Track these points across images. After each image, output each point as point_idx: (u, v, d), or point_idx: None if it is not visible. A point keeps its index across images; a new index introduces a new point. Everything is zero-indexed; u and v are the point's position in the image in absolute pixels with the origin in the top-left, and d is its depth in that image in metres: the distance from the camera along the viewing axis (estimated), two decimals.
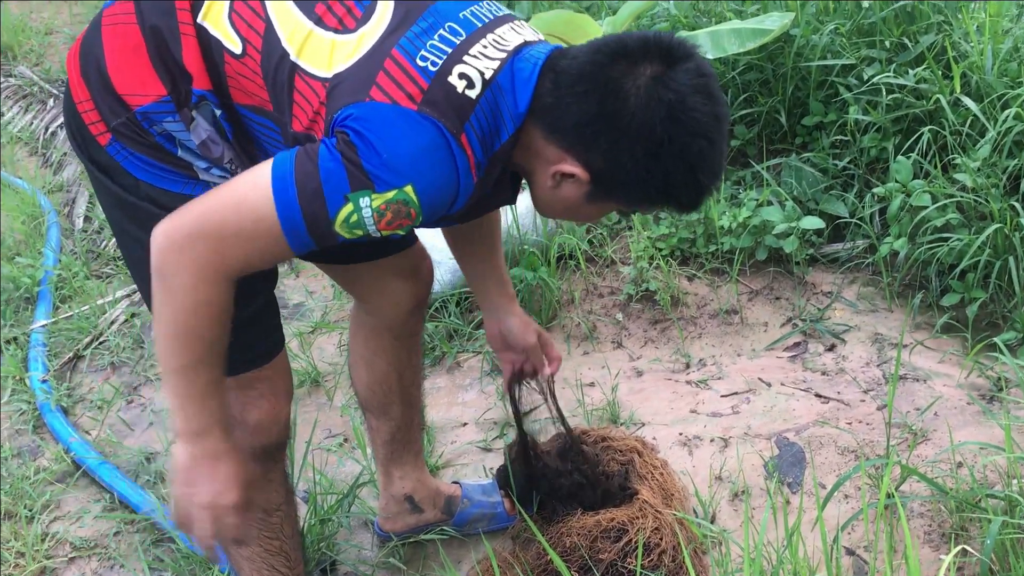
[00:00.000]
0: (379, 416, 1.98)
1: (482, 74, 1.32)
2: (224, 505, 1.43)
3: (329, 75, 1.31)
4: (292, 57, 1.34)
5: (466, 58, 1.32)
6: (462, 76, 1.30)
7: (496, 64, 1.33)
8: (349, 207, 1.26)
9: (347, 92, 1.29)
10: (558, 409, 2.03)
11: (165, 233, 1.30)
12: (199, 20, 1.40)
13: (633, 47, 1.31)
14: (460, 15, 1.36)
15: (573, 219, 1.63)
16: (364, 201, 1.26)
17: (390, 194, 1.25)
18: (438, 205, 1.32)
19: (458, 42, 1.33)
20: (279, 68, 1.35)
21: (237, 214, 1.28)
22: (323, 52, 1.33)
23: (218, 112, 1.42)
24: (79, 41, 1.48)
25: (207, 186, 1.47)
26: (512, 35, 1.39)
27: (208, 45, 1.40)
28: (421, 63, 1.29)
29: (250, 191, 1.28)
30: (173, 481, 1.45)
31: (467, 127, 1.29)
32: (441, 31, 1.33)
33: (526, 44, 1.39)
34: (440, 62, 1.30)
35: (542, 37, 1.46)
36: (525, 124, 1.36)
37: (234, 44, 1.38)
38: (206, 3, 1.41)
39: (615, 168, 1.33)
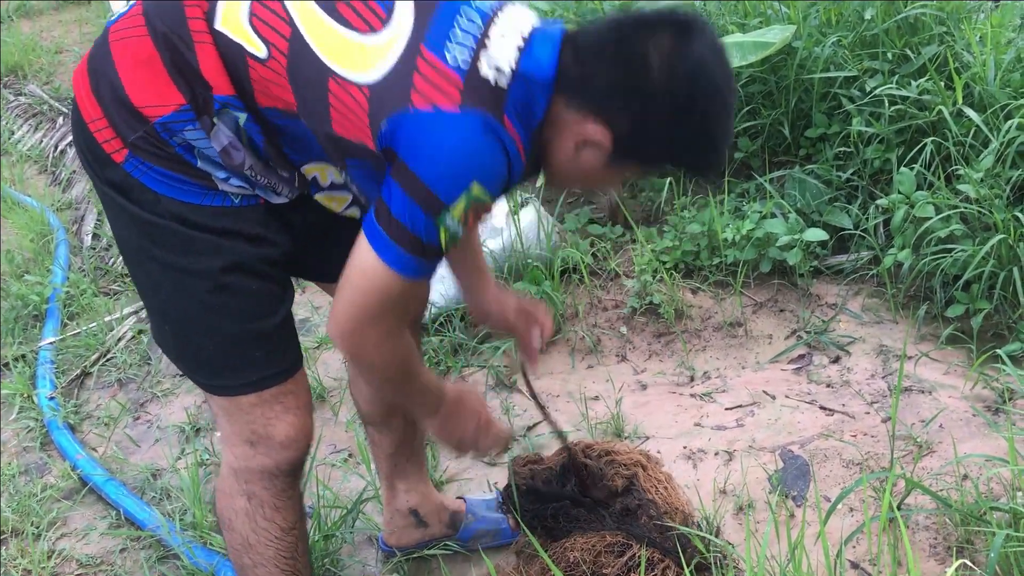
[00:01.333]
0: (381, 429, 1.98)
1: (508, 62, 1.37)
2: (483, 424, 1.72)
3: (366, 80, 1.35)
4: (324, 61, 1.37)
5: (490, 47, 1.37)
6: (491, 66, 1.36)
7: (516, 52, 1.38)
8: (443, 231, 1.36)
9: (389, 101, 1.34)
10: (544, 412, 2.02)
11: (340, 337, 1.45)
12: (216, 26, 1.40)
13: (652, 19, 1.39)
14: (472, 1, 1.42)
15: (588, 186, 1.70)
16: (449, 219, 1.35)
17: (463, 201, 1.34)
18: (501, 186, 1.40)
19: (478, 33, 1.38)
20: (309, 71, 1.38)
21: (378, 296, 1.41)
22: (355, 55, 1.37)
23: (243, 116, 1.42)
24: (85, 60, 1.48)
25: (225, 197, 1.48)
26: (520, 17, 1.44)
27: (228, 51, 1.40)
28: (451, 60, 1.34)
29: (372, 277, 1.39)
30: (441, 441, 1.75)
31: (507, 110, 1.36)
32: (460, 20, 1.38)
33: (535, 27, 1.44)
34: (469, 57, 1.35)
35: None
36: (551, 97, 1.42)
37: (258, 49, 1.39)
38: (221, 9, 1.40)
39: (640, 130, 1.39)
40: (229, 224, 1.49)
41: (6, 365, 3.05)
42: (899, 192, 2.69)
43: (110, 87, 1.43)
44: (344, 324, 1.43)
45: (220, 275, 1.49)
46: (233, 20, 1.40)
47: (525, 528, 1.98)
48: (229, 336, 1.54)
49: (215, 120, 1.41)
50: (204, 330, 1.54)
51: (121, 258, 1.79)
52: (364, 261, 1.39)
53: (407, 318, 1.48)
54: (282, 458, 1.62)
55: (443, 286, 2.83)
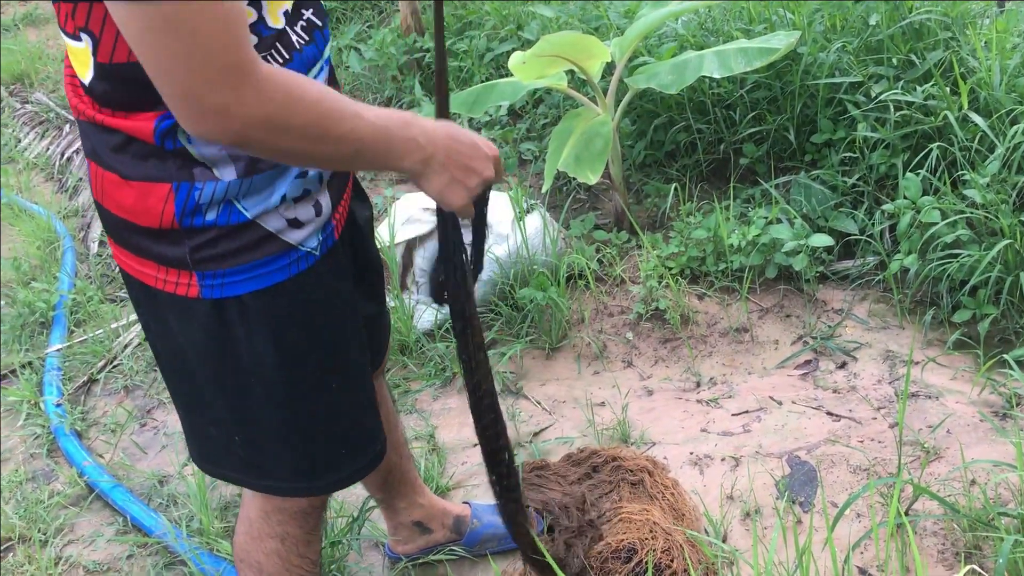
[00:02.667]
0: None
1: None
2: (485, 154, 1.36)
3: None
4: None
5: None
6: None
7: None
8: None
9: None
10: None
11: (202, 120, 1.09)
12: (85, 80, 1.21)
13: None
14: None
15: None
16: None
17: None
18: None
19: None
20: None
21: (183, 37, 1.03)
22: None
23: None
24: (112, 243, 1.36)
25: (309, 257, 1.34)
26: None
27: (108, 80, 1.19)
28: None
29: (154, 25, 1.03)
30: (440, 195, 1.34)
31: None
32: None
33: None
34: None
35: None
36: None
37: (87, 64, 1.19)
38: (76, 66, 1.22)
39: None
40: (324, 281, 1.38)
41: (13, 372, 3.06)
42: (905, 197, 2.68)
43: (132, 233, 1.29)
44: (190, 104, 1.07)
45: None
46: (80, 61, 1.20)
47: (534, 536, 1.98)
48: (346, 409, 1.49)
49: (192, 151, 1.22)
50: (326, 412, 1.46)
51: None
52: (129, 24, 1.04)
53: (250, 54, 1.08)
54: (319, 496, 1.58)
55: None
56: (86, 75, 1.20)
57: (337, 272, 1.42)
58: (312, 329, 1.38)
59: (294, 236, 1.32)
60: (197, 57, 1.03)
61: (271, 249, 1.30)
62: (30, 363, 3.08)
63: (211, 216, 1.25)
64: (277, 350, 1.35)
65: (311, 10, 1.31)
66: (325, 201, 1.36)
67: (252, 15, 1.19)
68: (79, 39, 1.17)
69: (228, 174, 1.24)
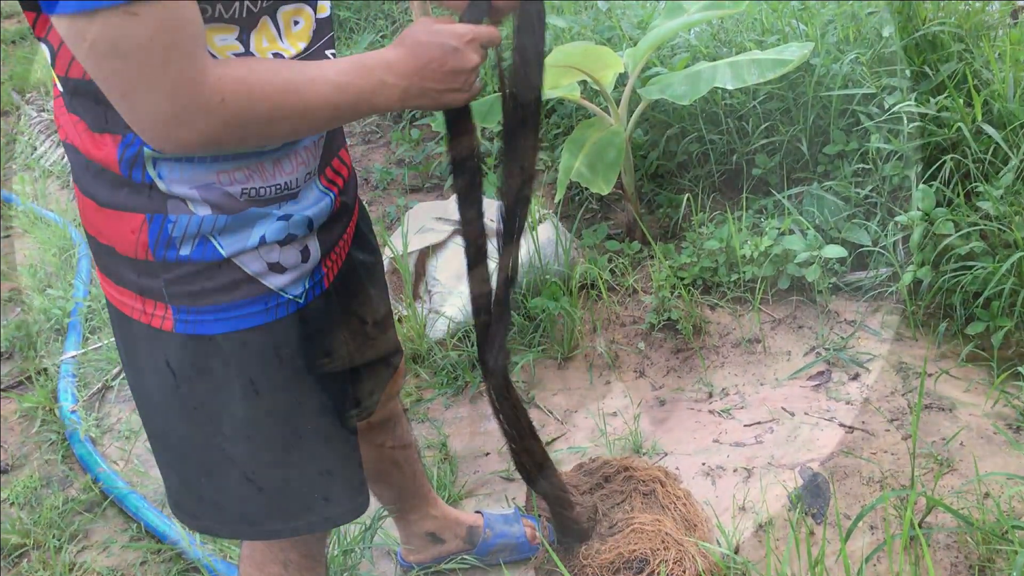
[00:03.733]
0: (378, 483, 1.95)
1: None
2: (457, 47, 1.25)
3: None
4: None
5: None
6: None
7: None
8: None
9: None
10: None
11: (166, 137, 1.09)
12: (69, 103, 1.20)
13: None
14: None
15: None
16: None
17: None
18: None
19: None
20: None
21: (138, 53, 1.02)
22: None
23: (147, 151, 1.18)
24: (97, 270, 1.35)
25: (291, 304, 1.32)
26: None
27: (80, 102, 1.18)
28: None
29: (109, 40, 1.01)
30: (439, 108, 1.30)
31: None
32: None
33: None
34: None
35: None
36: None
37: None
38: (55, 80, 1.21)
39: None
40: (306, 330, 1.35)
41: (29, 378, 3.08)
42: (918, 209, 2.68)
43: (114, 261, 1.27)
44: (149, 122, 1.07)
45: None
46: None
47: (544, 542, 1.99)
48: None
49: (168, 195, 1.20)
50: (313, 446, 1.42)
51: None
52: (76, 46, 1.02)
53: (202, 54, 1.06)
54: (282, 539, 1.55)
55: (461, 300, 2.84)
56: (59, 85, 1.20)
57: (322, 320, 1.39)
58: (286, 375, 1.35)
59: (275, 281, 1.29)
60: (145, 77, 1.02)
61: (248, 292, 1.27)
62: (45, 370, 3.10)
63: (185, 251, 1.22)
64: (245, 394, 1.32)
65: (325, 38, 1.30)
66: (314, 247, 1.33)
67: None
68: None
69: (202, 210, 1.21)
